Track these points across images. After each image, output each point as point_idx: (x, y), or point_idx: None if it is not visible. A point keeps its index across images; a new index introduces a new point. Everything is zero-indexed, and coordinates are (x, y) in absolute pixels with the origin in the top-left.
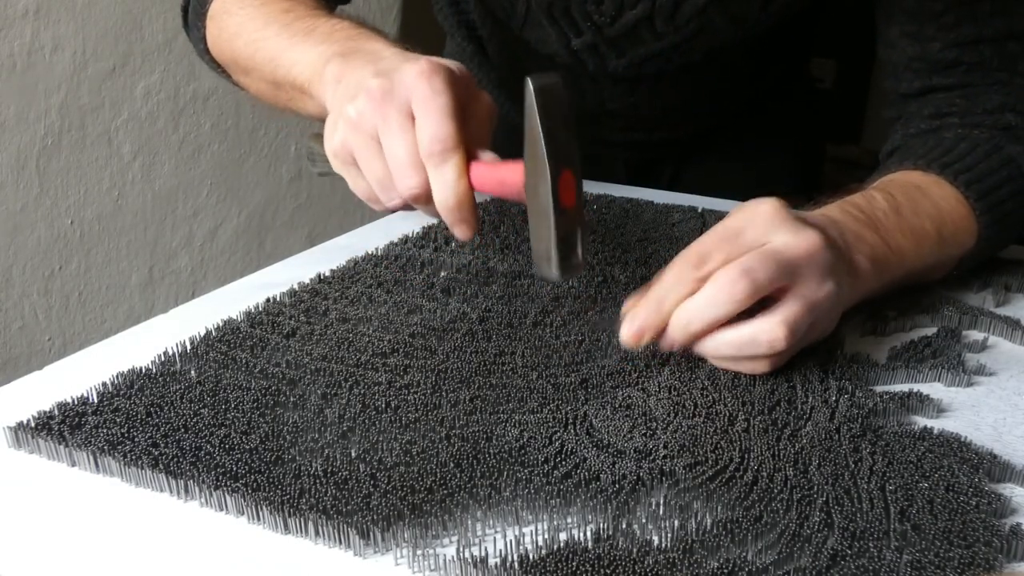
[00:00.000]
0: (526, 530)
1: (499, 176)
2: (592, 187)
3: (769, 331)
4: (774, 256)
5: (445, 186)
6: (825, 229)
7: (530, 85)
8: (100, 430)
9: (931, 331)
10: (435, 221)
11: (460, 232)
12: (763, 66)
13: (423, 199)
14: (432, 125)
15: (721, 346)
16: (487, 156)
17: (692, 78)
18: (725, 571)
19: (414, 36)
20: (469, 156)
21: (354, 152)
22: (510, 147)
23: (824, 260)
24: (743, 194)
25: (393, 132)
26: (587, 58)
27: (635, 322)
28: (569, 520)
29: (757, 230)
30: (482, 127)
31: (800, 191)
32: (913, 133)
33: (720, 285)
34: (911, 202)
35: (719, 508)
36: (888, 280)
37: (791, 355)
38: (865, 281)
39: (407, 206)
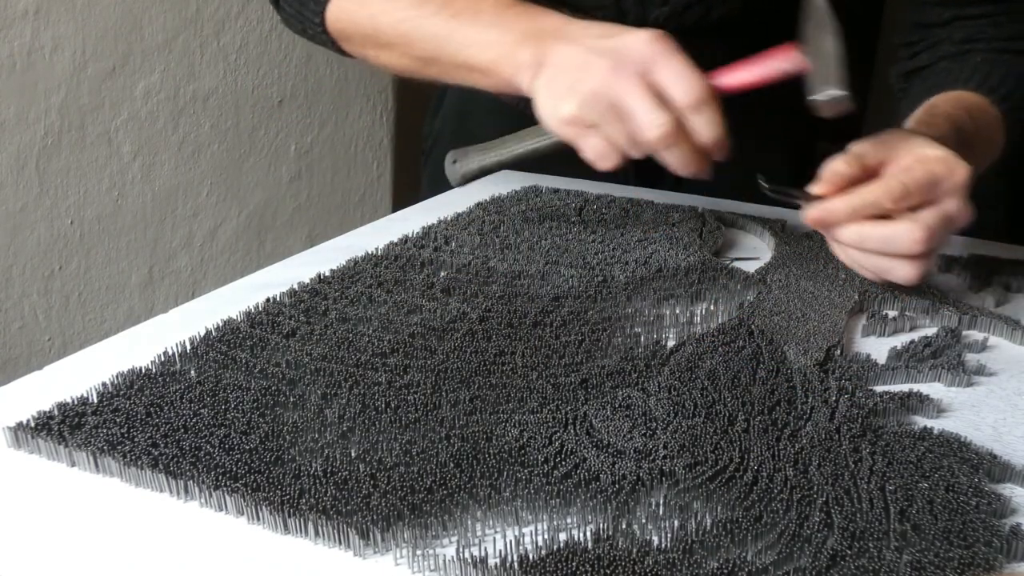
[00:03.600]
0: (526, 530)
1: (755, 72)
2: (592, 187)
3: (910, 232)
4: (951, 223)
5: (710, 124)
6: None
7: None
8: (100, 430)
9: (931, 331)
10: (435, 221)
11: (697, 166)
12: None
13: (672, 142)
14: (684, 81)
15: (867, 236)
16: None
17: (725, 40)
18: (725, 571)
19: None
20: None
21: (596, 119)
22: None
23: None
24: (742, 195)
25: (636, 95)
26: (630, 6)
27: (825, 214)
28: (569, 520)
29: (948, 187)
30: None
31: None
32: (943, 55)
33: (904, 234)
34: (984, 129)
35: (719, 508)
36: None
37: (933, 262)
38: None
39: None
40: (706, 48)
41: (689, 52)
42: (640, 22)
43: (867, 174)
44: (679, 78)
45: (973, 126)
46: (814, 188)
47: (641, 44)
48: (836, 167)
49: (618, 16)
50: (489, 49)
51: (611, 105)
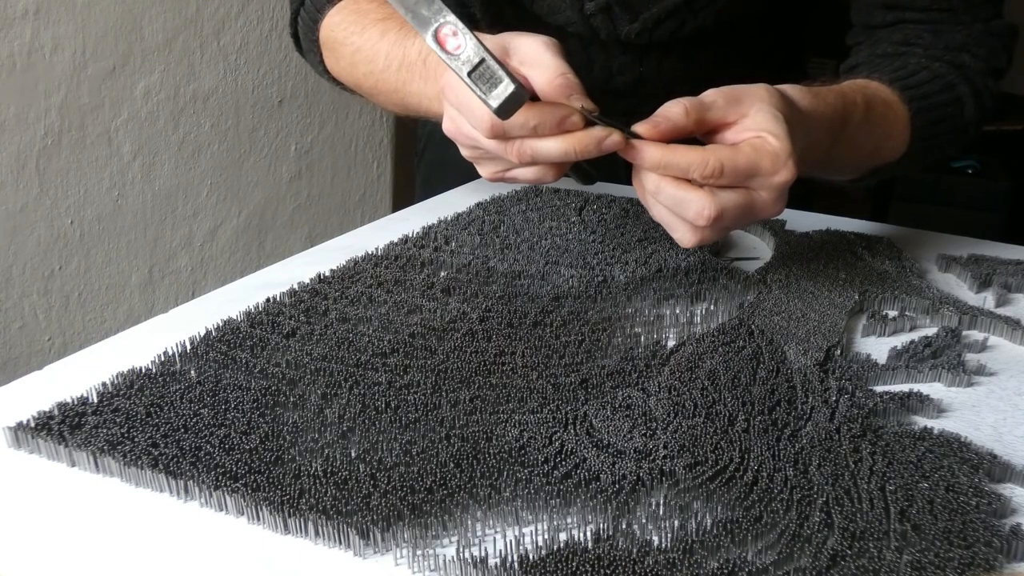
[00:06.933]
0: (526, 530)
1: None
2: (592, 187)
3: (701, 205)
4: (750, 214)
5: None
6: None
7: None
8: (100, 430)
9: (931, 331)
10: (435, 221)
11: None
12: (763, 53)
13: (528, 158)
14: (477, 125)
15: (662, 191)
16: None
17: (697, 52)
18: (725, 571)
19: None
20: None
21: (475, 157)
22: None
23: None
24: None
25: (469, 139)
26: (600, 23)
27: (634, 153)
28: (569, 520)
29: (764, 182)
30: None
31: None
32: (880, 53)
33: (695, 204)
34: (880, 116)
35: (719, 508)
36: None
37: (717, 238)
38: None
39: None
40: (680, 61)
41: (664, 66)
42: (611, 38)
43: (701, 127)
44: (474, 123)
45: (863, 112)
46: (639, 126)
47: (445, 112)
48: (672, 113)
49: (589, 33)
50: (434, 101)
51: (473, 148)
